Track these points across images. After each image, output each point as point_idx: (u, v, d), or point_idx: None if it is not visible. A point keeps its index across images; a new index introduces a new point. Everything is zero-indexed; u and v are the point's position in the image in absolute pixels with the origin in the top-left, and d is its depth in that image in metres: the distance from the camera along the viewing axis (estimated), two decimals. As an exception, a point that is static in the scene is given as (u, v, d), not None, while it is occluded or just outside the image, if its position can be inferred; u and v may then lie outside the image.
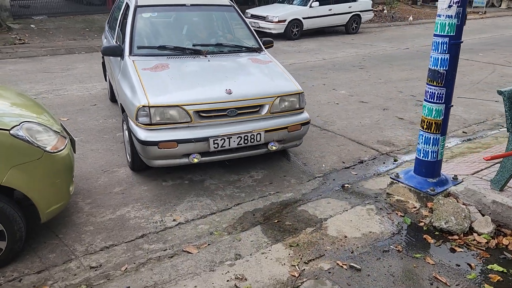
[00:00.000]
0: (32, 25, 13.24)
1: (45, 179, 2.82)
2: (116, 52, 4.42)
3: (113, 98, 6.06)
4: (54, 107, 6.02)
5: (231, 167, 4.27)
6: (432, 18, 19.33)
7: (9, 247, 2.73)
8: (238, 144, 3.72)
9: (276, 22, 12.45)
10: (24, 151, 2.69)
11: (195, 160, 3.66)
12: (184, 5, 4.85)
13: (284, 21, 12.53)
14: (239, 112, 3.74)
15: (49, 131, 2.96)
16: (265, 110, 3.85)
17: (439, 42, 3.07)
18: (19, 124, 2.75)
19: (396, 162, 4.41)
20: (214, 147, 3.64)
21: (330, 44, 12.02)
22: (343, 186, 3.90)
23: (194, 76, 4.00)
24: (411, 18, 18.01)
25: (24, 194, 2.72)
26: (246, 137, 3.72)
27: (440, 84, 3.13)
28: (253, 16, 13.13)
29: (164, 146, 3.53)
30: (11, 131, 2.66)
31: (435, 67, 3.12)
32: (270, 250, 2.91)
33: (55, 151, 2.87)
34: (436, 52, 3.09)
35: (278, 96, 3.89)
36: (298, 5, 13.37)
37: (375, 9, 18.06)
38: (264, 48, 4.80)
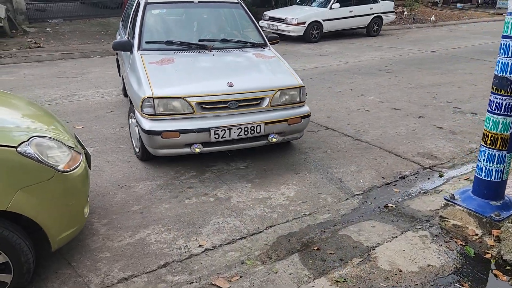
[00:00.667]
0: (47, 29, 13.07)
1: (56, 202, 2.47)
2: (126, 47, 4.58)
3: (125, 93, 5.95)
4: (68, 114, 5.71)
5: (259, 183, 3.89)
6: (455, 19, 18.74)
7: (15, 281, 2.38)
8: (238, 135, 3.85)
9: (296, 25, 12.06)
10: (33, 171, 2.35)
11: (197, 150, 3.80)
12: (192, 2, 5.01)
13: (304, 23, 12.14)
14: (240, 104, 3.85)
15: (62, 147, 2.61)
16: (265, 103, 3.96)
17: (508, 45, 2.64)
18: (28, 140, 2.40)
19: (442, 178, 3.97)
20: (215, 137, 3.77)
21: (352, 47, 11.58)
22: (386, 206, 3.48)
23: (198, 69, 4.16)
24: (433, 18, 17.46)
25: (32, 219, 2.37)
26: (246, 129, 3.85)
27: (509, 94, 2.70)
28: (271, 18, 12.76)
29: (167, 136, 3.68)
30: (18, 148, 2.32)
31: (504, 74, 2.69)
32: (313, 286, 2.51)
33: (68, 170, 2.52)
34: (505, 56, 2.67)
35: (279, 90, 4.00)
36: (317, 6, 12.96)
37: (395, 11, 17.54)
38: (269, 44, 4.92)
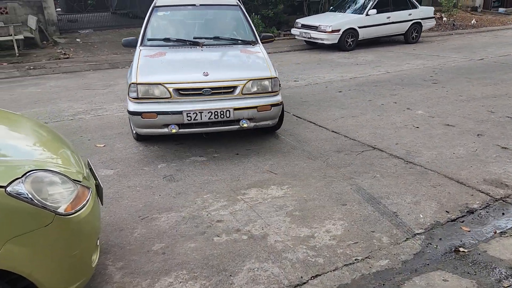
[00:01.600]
0: (77, 39, 13.00)
1: (56, 253, 2.01)
2: (132, 43, 5.20)
3: None
4: (90, 131, 5.34)
5: (300, 217, 3.33)
6: (497, 25, 17.65)
7: None
8: (209, 119, 4.27)
9: (330, 32, 11.48)
10: (27, 216, 1.89)
11: (173, 131, 4.26)
12: (194, 5, 5.55)
13: (338, 30, 11.54)
14: (213, 91, 4.29)
15: (66, 182, 2.15)
16: (237, 91, 4.36)
17: None
18: (23, 176, 1.95)
19: (521, 213, 3.30)
20: (188, 119, 4.23)
21: (390, 55, 10.89)
22: (457, 251, 2.85)
23: (182, 61, 4.73)
24: (474, 21, 16.48)
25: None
26: (216, 113, 4.26)
27: None
28: (303, 26, 12.22)
29: (146, 116, 4.20)
30: (8, 188, 1.87)
31: None
32: None
33: (71, 212, 2.05)
34: None
35: (250, 80, 4.38)
36: (353, 13, 12.33)
37: (435, 17, 16.66)
38: (259, 42, 5.30)
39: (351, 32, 11.75)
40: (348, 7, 12.75)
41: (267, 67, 4.59)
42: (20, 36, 10.89)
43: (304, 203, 3.53)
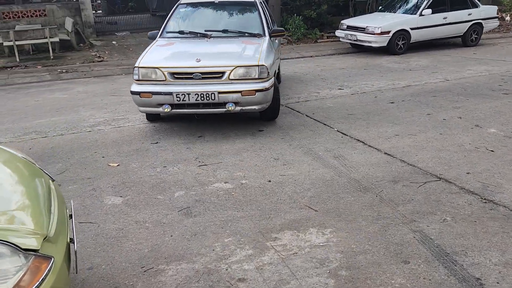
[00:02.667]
0: (113, 42, 12.72)
1: None
2: (154, 36, 5.81)
3: None
4: (107, 146, 4.75)
5: (348, 279, 2.52)
6: None
7: None
8: (196, 100, 4.65)
9: (378, 34, 10.48)
10: None
11: (166, 110, 4.72)
12: (213, 2, 6.21)
13: (388, 32, 10.51)
14: (203, 76, 4.70)
15: (15, 254, 1.48)
16: (225, 76, 4.70)
17: None
18: None
19: None
20: (177, 99, 4.65)
21: (447, 59, 9.75)
22: None
23: (183, 50, 5.34)
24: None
25: None
26: (202, 95, 4.63)
27: None
28: (349, 28, 11.27)
29: (143, 96, 4.71)
30: None
31: None
32: None
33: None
34: None
35: (237, 66, 4.71)
36: (404, 13, 11.25)
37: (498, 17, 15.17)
38: (266, 35, 5.69)
39: (402, 34, 10.69)
40: (399, 7, 11.67)
41: (257, 56, 4.88)
42: (56, 39, 10.67)
43: (353, 257, 2.72)
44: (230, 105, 4.70)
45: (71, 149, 4.68)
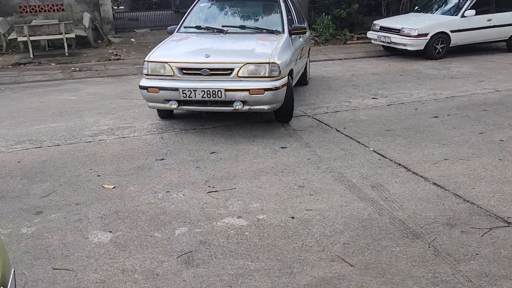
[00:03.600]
0: (132, 39, 12.20)
1: None
2: (173, 31, 5.72)
3: None
4: (105, 161, 4.12)
5: None
6: None
7: None
8: (202, 97, 4.52)
9: (415, 37, 9.58)
10: None
11: (173, 106, 4.63)
12: None
13: (426, 35, 9.61)
14: (211, 72, 4.56)
15: None
16: (233, 73, 4.53)
17: None
18: None
19: None
20: (183, 96, 4.55)
21: (491, 66, 8.80)
22: None
23: (195, 45, 5.25)
24: None
25: None
26: (208, 92, 4.47)
27: None
28: (382, 29, 10.40)
29: (151, 91, 4.67)
30: None
31: None
32: None
33: None
34: None
35: (246, 63, 4.54)
36: (444, 14, 10.31)
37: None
38: (285, 33, 5.38)
39: (441, 37, 9.77)
40: (438, 7, 10.73)
41: (268, 53, 4.65)
42: (72, 35, 10.18)
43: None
44: (238, 103, 4.49)
45: (65, 164, 4.08)
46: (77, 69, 8.96)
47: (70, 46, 10.78)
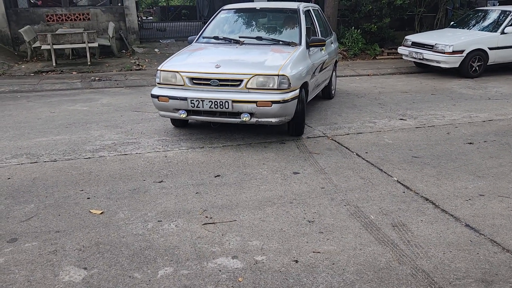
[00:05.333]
0: (156, 49, 12.09)
1: None
2: (192, 41, 5.75)
3: None
4: (98, 182, 3.80)
5: None
6: None
7: None
8: (210, 108, 4.50)
9: (450, 53, 8.98)
10: None
11: (182, 116, 4.63)
12: (255, 8, 5.98)
13: (461, 52, 8.99)
14: (220, 83, 4.53)
15: None
16: (242, 85, 4.48)
17: None
18: None
19: None
20: (191, 106, 4.54)
21: (534, 87, 8.09)
22: None
23: (209, 55, 5.17)
24: None
25: None
26: (216, 103, 4.45)
27: None
28: (414, 44, 9.83)
29: (161, 100, 4.70)
30: None
31: None
32: None
33: None
34: None
35: (255, 75, 4.46)
36: (481, 30, 9.67)
37: None
38: (302, 45, 5.22)
39: (478, 54, 9.13)
40: (476, 23, 10.09)
41: (279, 65, 4.55)
42: (95, 44, 10.11)
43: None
44: (245, 115, 4.45)
45: (56, 182, 3.77)
46: (96, 78, 8.83)
47: (94, 55, 10.74)
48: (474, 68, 9.18)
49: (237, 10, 6.09)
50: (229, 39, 5.51)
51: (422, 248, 2.81)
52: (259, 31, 5.79)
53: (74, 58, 10.95)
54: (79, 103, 6.89)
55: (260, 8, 5.93)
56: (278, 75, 4.43)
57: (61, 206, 3.34)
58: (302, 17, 5.61)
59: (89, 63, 10.09)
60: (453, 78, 9.01)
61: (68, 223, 3.08)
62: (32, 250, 2.75)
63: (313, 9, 6.33)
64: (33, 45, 10.30)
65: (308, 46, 5.28)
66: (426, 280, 2.49)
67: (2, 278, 2.47)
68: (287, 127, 5.06)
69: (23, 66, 9.98)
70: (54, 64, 9.81)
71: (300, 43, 5.26)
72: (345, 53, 11.41)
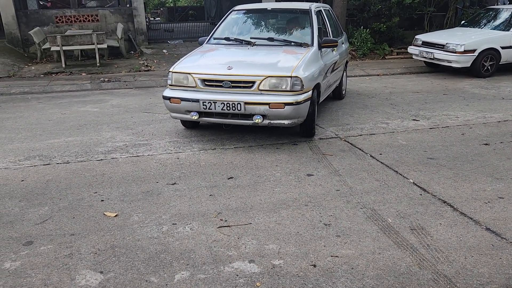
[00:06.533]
0: (164, 50, 12.09)
1: None
2: (202, 42, 5.69)
3: None
4: (112, 184, 3.78)
5: None
6: None
7: None
8: (222, 110, 4.45)
9: (461, 53, 8.87)
10: None
11: (194, 118, 4.60)
12: (266, 9, 5.91)
13: (473, 51, 8.88)
14: (233, 85, 4.48)
15: None
16: (254, 86, 4.42)
17: None
18: None
19: None
20: (203, 107, 4.49)
21: (548, 86, 7.97)
22: None
23: (221, 56, 5.13)
24: None
25: None
26: (228, 105, 4.40)
27: None
28: (425, 44, 9.74)
29: (173, 101, 4.66)
30: None
31: None
32: None
33: None
34: None
35: (268, 77, 4.40)
36: (493, 29, 9.55)
37: None
38: (314, 45, 5.15)
39: (490, 53, 9.02)
40: (487, 22, 9.98)
41: (291, 67, 4.49)
42: (104, 45, 10.12)
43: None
44: (258, 117, 4.41)
45: (69, 185, 3.76)
46: (106, 79, 8.84)
47: (103, 57, 10.76)
48: (486, 68, 9.07)
49: (248, 11, 6.03)
50: (241, 40, 5.44)
51: (442, 252, 2.75)
52: (270, 32, 5.74)
53: (83, 59, 10.99)
54: (89, 104, 6.89)
55: (271, 8, 5.87)
56: (291, 76, 4.38)
57: (75, 209, 3.32)
58: (314, 17, 5.53)
59: (98, 64, 10.11)
60: (465, 77, 8.91)
61: (82, 226, 3.06)
62: (48, 254, 2.73)
63: (324, 9, 6.28)
64: (43, 47, 10.34)
65: (320, 47, 5.22)
66: (448, 286, 2.43)
67: (19, 282, 2.45)
68: (299, 129, 5.01)
69: (33, 68, 10.02)
70: (63, 66, 9.84)
71: (312, 44, 5.20)
72: (354, 53, 11.33)
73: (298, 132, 5.05)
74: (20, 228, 3.05)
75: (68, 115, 6.19)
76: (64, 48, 9.71)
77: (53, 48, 9.88)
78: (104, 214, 3.23)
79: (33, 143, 4.89)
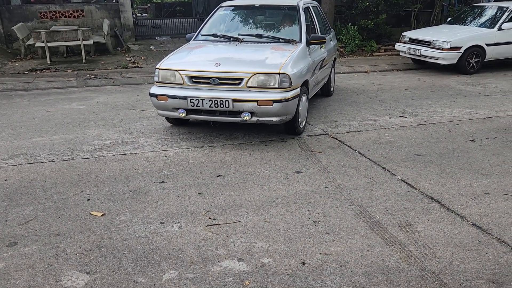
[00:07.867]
0: (151, 46, 11.97)
1: None
2: (190, 39, 5.69)
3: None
4: (98, 183, 3.72)
5: None
6: None
7: None
8: (209, 107, 4.43)
9: (447, 50, 8.96)
10: None
11: (182, 115, 4.57)
12: (254, 5, 5.82)
13: (459, 48, 8.97)
14: (220, 82, 4.44)
15: None
16: (242, 83, 4.39)
17: None
18: None
19: None
20: (191, 105, 4.47)
21: (532, 83, 8.09)
22: None
23: (208, 53, 5.04)
24: None
25: None
26: (216, 102, 4.39)
27: None
28: (412, 41, 9.81)
29: (160, 99, 4.62)
30: None
31: None
32: None
33: None
34: None
35: (255, 74, 4.38)
36: (479, 27, 9.65)
37: None
38: (302, 42, 5.15)
39: (475, 50, 9.12)
40: (473, 20, 10.08)
41: (279, 64, 4.47)
42: (90, 41, 9.98)
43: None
44: (246, 114, 4.39)
45: (54, 184, 3.70)
46: (92, 76, 8.72)
47: (89, 53, 10.61)
48: (471, 65, 9.17)
49: (236, 7, 5.98)
50: (228, 36, 5.40)
51: (430, 248, 2.77)
52: (258, 28, 5.68)
53: (68, 56, 10.82)
54: (75, 101, 6.79)
55: (259, 5, 5.82)
56: (279, 73, 4.36)
57: (60, 208, 3.26)
58: (302, 14, 5.51)
59: (84, 60, 9.97)
60: (451, 74, 9.00)
61: (68, 226, 3.01)
62: (32, 254, 2.68)
63: (312, 6, 6.28)
64: (27, 43, 10.16)
65: (308, 43, 5.21)
66: (436, 282, 2.45)
67: (3, 284, 2.40)
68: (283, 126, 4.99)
69: (16, 64, 9.84)
70: (48, 62, 9.69)
71: (300, 41, 5.18)
72: (342, 49, 11.37)
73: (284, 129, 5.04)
74: (4, 228, 2.99)
75: (54, 112, 6.09)
76: (49, 44, 9.56)
77: (37, 44, 9.71)
78: (91, 214, 3.18)
79: (17, 141, 4.80)
